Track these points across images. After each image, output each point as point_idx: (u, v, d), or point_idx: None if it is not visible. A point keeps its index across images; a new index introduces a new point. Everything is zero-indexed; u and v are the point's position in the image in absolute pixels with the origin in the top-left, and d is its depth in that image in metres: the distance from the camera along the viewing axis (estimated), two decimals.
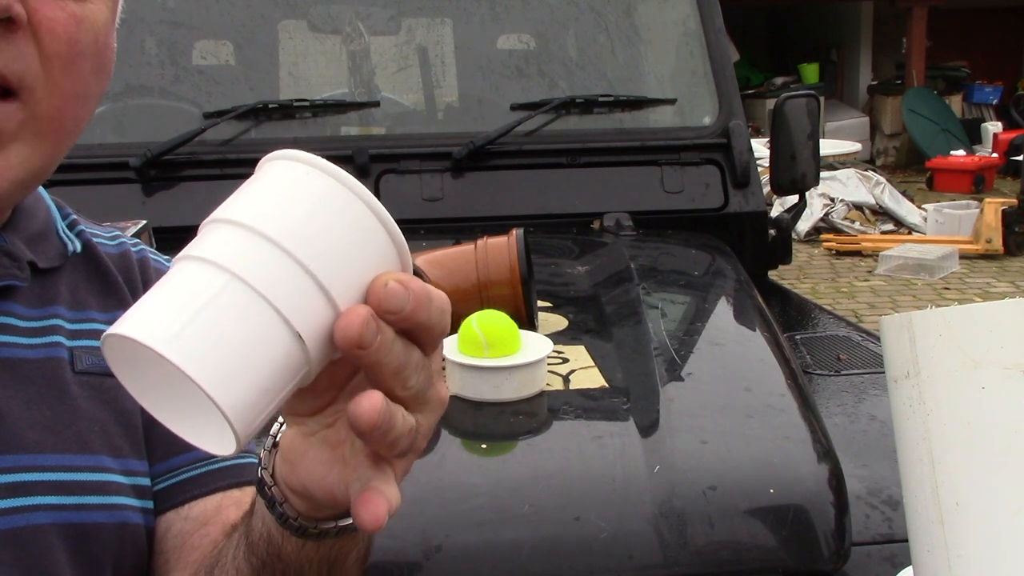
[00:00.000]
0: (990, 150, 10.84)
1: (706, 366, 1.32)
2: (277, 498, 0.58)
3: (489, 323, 1.17)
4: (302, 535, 0.59)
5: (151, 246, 1.81)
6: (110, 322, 0.48)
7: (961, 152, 10.55)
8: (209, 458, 0.77)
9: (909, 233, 8.08)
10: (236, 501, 0.75)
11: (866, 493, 1.18)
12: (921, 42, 11.77)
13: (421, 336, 0.51)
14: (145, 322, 0.47)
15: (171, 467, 0.76)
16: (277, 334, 0.47)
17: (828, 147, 8.58)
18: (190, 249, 0.50)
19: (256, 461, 0.60)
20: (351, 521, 0.58)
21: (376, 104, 2.15)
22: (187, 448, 0.74)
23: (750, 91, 11.68)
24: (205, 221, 0.51)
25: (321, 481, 0.55)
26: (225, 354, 0.46)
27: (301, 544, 0.60)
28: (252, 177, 0.53)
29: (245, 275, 0.47)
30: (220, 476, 0.77)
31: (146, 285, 0.79)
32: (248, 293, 0.47)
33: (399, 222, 0.51)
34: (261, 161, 0.53)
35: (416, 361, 0.51)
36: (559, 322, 1.43)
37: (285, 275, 0.48)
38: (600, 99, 2.11)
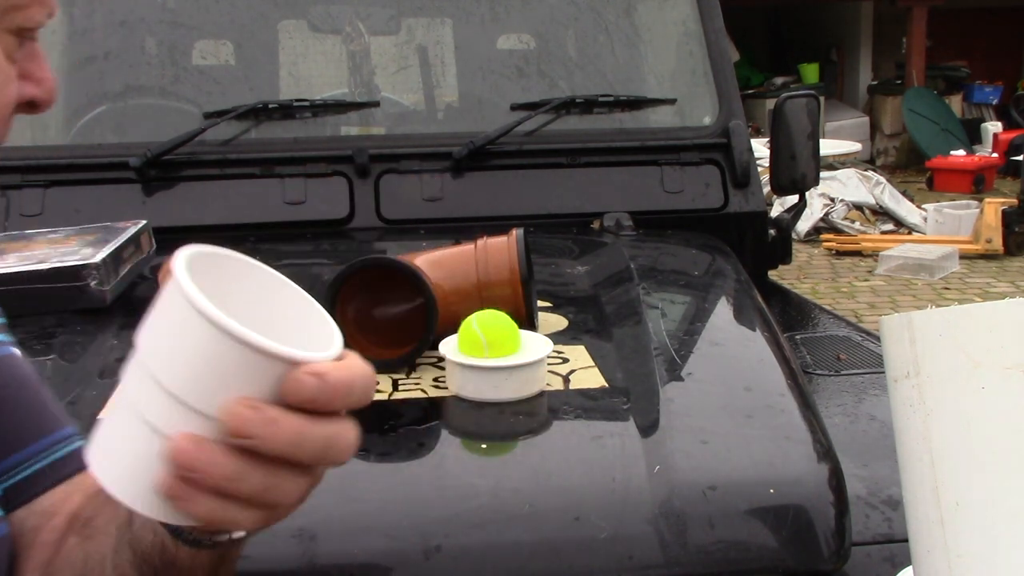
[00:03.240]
0: (990, 150, 10.85)
1: (706, 366, 1.32)
2: None
3: (489, 323, 1.17)
4: (197, 546, 0.61)
5: (151, 246, 1.80)
6: None
7: (961, 152, 10.55)
8: (53, 446, 0.77)
9: (909, 233, 8.09)
10: (78, 487, 0.75)
11: (866, 493, 1.18)
12: (921, 42, 11.77)
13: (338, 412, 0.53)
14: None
15: (15, 463, 0.75)
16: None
17: (828, 147, 8.58)
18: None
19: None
20: (244, 533, 0.60)
21: (376, 104, 2.15)
22: (28, 441, 0.75)
23: (750, 91, 11.69)
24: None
25: None
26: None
27: (196, 552, 0.62)
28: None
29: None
30: (65, 464, 0.77)
31: None
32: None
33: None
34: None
35: (313, 436, 0.53)
36: (559, 322, 1.43)
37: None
38: (600, 99, 2.11)
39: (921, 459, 0.67)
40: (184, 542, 0.60)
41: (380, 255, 1.58)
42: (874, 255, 7.38)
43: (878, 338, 1.61)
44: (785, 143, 2.13)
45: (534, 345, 1.19)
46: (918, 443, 0.67)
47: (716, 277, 1.77)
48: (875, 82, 12.81)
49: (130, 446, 0.53)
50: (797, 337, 1.80)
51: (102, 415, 0.56)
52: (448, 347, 1.18)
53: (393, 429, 1.10)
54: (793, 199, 2.25)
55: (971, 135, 11.65)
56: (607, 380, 1.22)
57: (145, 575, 0.64)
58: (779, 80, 12.29)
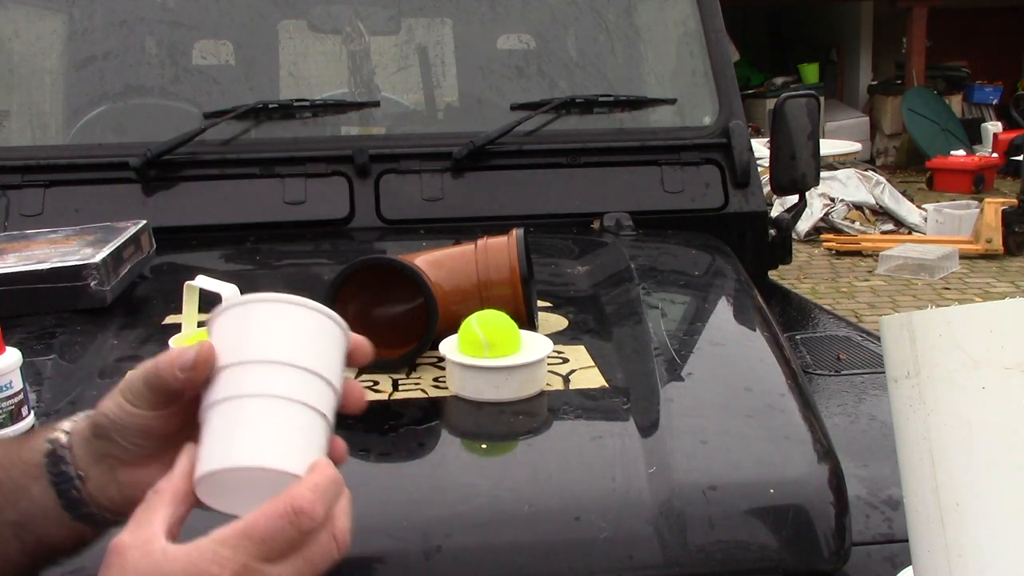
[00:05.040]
0: (990, 150, 10.85)
1: (706, 366, 1.32)
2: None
3: (489, 323, 1.17)
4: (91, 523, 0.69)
5: (151, 246, 1.80)
6: None
7: (961, 152, 10.55)
8: None
9: (909, 233, 8.09)
10: None
11: (866, 493, 1.18)
12: (921, 42, 11.77)
13: None
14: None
15: None
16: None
17: (828, 147, 8.58)
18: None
19: None
20: None
21: (376, 104, 2.15)
22: None
23: (750, 91, 11.70)
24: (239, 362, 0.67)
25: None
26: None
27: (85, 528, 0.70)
28: (249, 317, 0.69)
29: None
30: None
31: None
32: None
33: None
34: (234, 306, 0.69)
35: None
36: (559, 322, 1.43)
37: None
38: (600, 99, 2.11)
39: (921, 459, 0.67)
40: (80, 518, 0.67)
41: (380, 255, 1.58)
42: (874, 255, 7.38)
43: (878, 338, 1.61)
44: (785, 143, 2.13)
45: (534, 345, 1.19)
46: (918, 443, 0.67)
47: (716, 277, 1.77)
48: (875, 82, 12.81)
49: (282, 422, 0.65)
50: (797, 337, 1.79)
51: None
52: (448, 347, 1.18)
53: (393, 429, 1.10)
54: (793, 199, 2.25)
55: (971, 135, 11.66)
56: (607, 380, 1.22)
57: (24, 541, 0.68)
58: (779, 80, 12.30)
